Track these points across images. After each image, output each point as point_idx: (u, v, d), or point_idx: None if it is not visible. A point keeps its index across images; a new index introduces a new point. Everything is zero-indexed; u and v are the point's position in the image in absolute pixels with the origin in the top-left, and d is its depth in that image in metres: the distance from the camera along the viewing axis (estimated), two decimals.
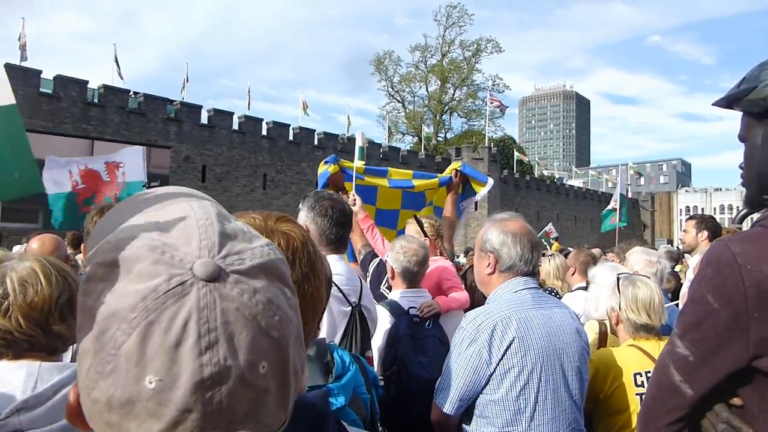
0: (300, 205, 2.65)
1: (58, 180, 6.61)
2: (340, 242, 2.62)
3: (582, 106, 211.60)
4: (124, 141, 27.00)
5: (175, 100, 32.07)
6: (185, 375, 0.50)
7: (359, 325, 2.51)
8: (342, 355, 1.39)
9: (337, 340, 2.45)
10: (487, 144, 45.54)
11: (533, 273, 2.27)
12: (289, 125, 37.24)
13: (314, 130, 38.41)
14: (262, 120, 35.84)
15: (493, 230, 2.25)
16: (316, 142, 37.72)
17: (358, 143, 4.89)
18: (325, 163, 4.76)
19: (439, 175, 5.22)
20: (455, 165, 5.13)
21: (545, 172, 64.51)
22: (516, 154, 53.75)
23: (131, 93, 30.73)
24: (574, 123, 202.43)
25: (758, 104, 1.29)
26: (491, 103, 48.74)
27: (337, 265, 2.56)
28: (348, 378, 1.32)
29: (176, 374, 0.50)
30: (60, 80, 27.82)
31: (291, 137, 36.81)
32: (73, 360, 1.93)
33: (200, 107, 33.10)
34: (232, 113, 34.62)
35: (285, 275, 0.60)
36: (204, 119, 32.87)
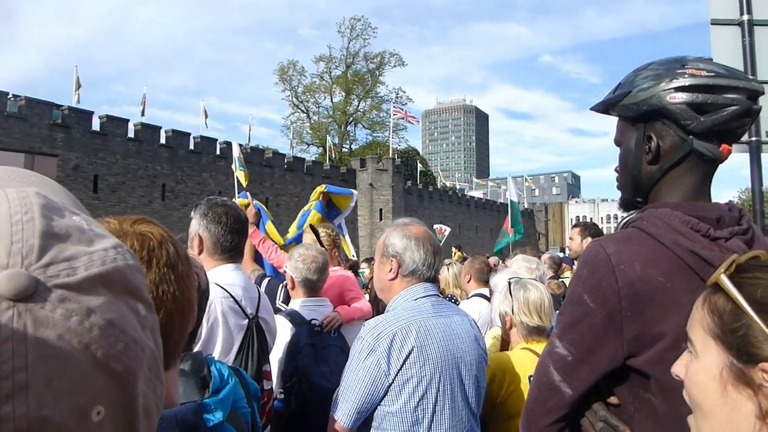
0: (192, 213, 2.54)
1: None
2: (235, 250, 2.52)
3: (481, 120, 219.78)
4: (3, 148, 24.96)
5: (62, 105, 30.08)
6: None
7: (257, 337, 2.43)
8: (220, 368, 1.33)
9: (233, 355, 2.36)
10: (391, 155, 46.18)
11: (435, 279, 2.26)
12: (190, 134, 35.99)
13: (216, 140, 37.34)
14: (160, 128, 34.36)
15: (396, 234, 2.22)
16: (218, 152, 36.68)
17: (235, 154, 4.86)
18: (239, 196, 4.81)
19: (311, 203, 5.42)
20: (320, 188, 5.36)
21: (447, 183, 66.32)
22: (419, 165, 54.94)
23: (10, 96, 28.49)
24: (474, 136, 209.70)
25: (632, 109, 1.34)
26: (395, 114, 49.59)
27: (232, 274, 2.47)
28: (226, 392, 1.26)
29: None
30: None
31: (192, 146, 35.56)
32: None
33: (91, 113, 31.23)
34: (128, 120, 32.92)
35: (137, 287, 0.46)
36: (96, 126, 31.02)
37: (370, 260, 10.47)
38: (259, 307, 2.52)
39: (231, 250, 2.49)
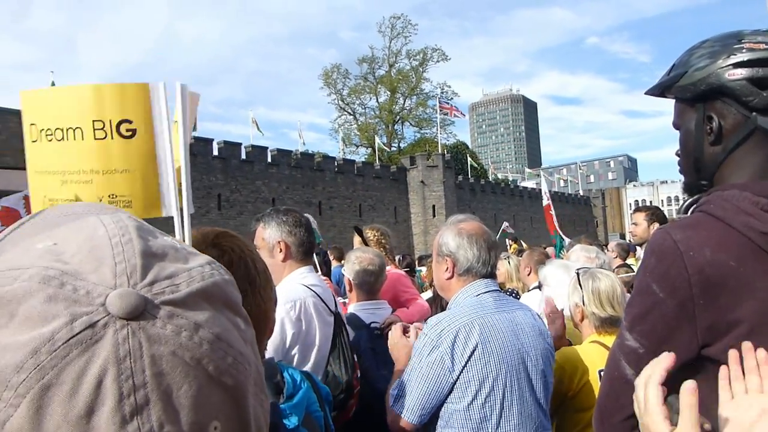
0: (261, 225, 2.57)
1: None
2: (311, 252, 2.60)
3: (529, 108, 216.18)
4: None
5: None
6: None
7: (345, 331, 2.50)
8: (292, 374, 1.34)
9: (327, 351, 2.42)
10: (440, 151, 45.97)
11: (492, 275, 2.23)
12: (241, 144, 36.81)
13: (267, 148, 38.04)
14: (212, 140, 35.30)
15: (449, 233, 2.21)
16: (269, 160, 37.36)
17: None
18: None
19: None
20: None
21: (499, 176, 65.56)
22: (469, 159, 54.50)
23: None
24: (523, 125, 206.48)
25: (689, 89, 1.29)
26: (441, 110, 49.34)
27: (311, 275, 2.53)
28: (300, 396, 1.27)
29: None
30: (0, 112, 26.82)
31: (243, 156, 36.36)
32: None
33: None
34: None
35: (235, 301, 0.47)
36: None
37: (423, 258, 10.41)
38: (336, 306, 2.57)
39: (310, 251, 2.55)
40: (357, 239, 3.79)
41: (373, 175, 42.71)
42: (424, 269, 8.57)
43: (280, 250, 2.47)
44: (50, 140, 1.17)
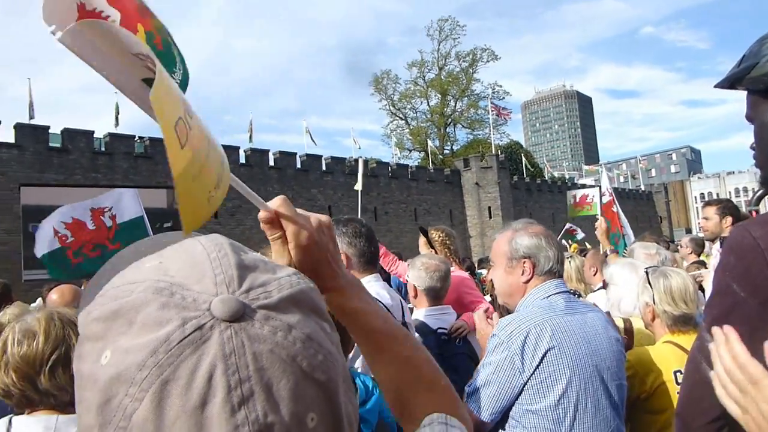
0: None
1: (45, 241, 6.64)
2: (375, 261, 2.60)
3: (584, 104, 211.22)
4: (134, 186, 27.28)
5: None
6: None
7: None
8: (364, 380, 1.36)
9: None
10: (494, 151, 45.48)
11: (562, 275, 2.23)
12: (296, 153, 37.49)
13: (321, 156, 38.59)
14: (268, 151, 36.11)
15: (522, 236, 2.19)
16: (324, 168, 37.88)
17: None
18: None
19: None
20: None
21: (555, 174, 64.24)
22: (524, 159, 53.65)
23: (137, 138, 31.11)
24: (578, 122, 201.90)
25: (762, 81, 1.24)
26: (493, 110, 48.82)
27: (376, 285, 2.54)
28: (373, 402, 1.28)
29: None
30: (67, 133, 28.27)
31: (299, 165, 37.01)
32: None
33: None
34: (238, 147, 34.89)
35: (320, 307, 0.52)
36: None
37: (484, 261, 10.29)
38: (404, 313, 2.56)
39: (373, 261, 2.56)
40: (422, 240, 3.79)
41: (427, 178, 42.65)
42: (484, 271, 8.48)
43: (345, 261, 2.50)
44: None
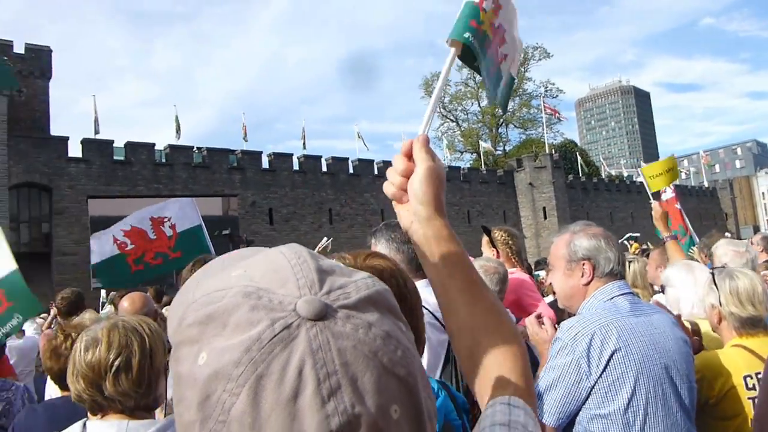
0: (372, 240, 2.63)
1: (103, 250, 6.90)
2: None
3: (642, 99, 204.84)
4: (193, 195, 28.20)
5: (236, 150, 33.24)
6: (310, 431, 0.44)
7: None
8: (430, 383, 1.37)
9: (439, 371, 2.41)
10: (548, 151, 44.68)
11: (624, 276, 2.18)
12: (348, 158, 37.85)
13: (373, 160, 38.83)
14: (321, 157, 36.59)
15: (581, 237, 2.16)
16: (376, 172, 38.08)
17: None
18: None
19: None
20: None
21: (612, 172, 62.50)
22: (579, 157, 52.43)
23: (194, 149, 32.11)
24: (635, 118, 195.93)
25: None
26: (547, 111, 47.96)
27: (425, 291, 2.54)
28: (438, 404, 1.29)
29: (300, 431, 0.44)
30: (130, 146, 29.46)
31: (351, 170, 37.35)
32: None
33: (260, 153, 34.18)
34: (292, 154, 35.54)
35: (395, 307, 0.54)
36: (265, 164, 33.88)
37: (541, 262, 10.10)
38: None
39: (419, 269, 2.56)
40: (485, 239, 3.75)
41: (480, 180, 42.28)
42: (542, 273, 8.33)
43: None
44: None
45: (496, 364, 0.89)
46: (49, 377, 2.83)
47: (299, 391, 0.44)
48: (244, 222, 30.02)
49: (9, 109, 26.21)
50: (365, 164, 38.03)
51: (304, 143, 37.74)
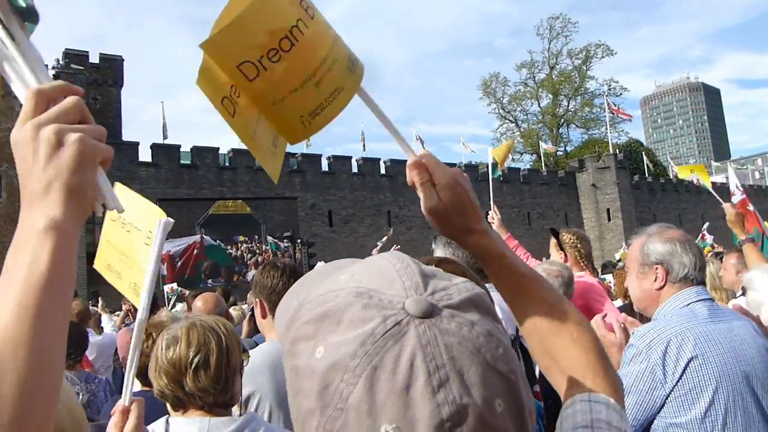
0: (433, 245, 2.64)
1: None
2: (483, 272, 2.58)
3: (711, 96, 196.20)
4: (254, 198, 28.92)
5: (296, 153, 33.85)
6: (423, 419, 0.47)
7: (521, 357, 2.43)
8: None
9: None
10: (611, 151, 43.43)
11: (703, 281, 2.10)
12: (406, 161, 37.82)
13: None
14: (379, 159, 36.80)
15: (656, 240, 2.10)
16: None
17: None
18: None
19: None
20: None
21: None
22: (644, 157, 50.68)
23: None
24: (705, 115, 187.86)
25: None
26: (610, 111, 46.58)
27: (493, 294, 2.52)
28: None
29: (413, 419, 0.47)
30: (196, 150, 30.50)
31: None
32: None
33: (320, 156, 34.71)
34: (350, 157, 35.88)
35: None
36: (325, 167, 34.36)
37: (608, 266, 9.83)
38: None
39: (481, 271, 2.54)
40: (552, 241, 3.69)
41: (540, 181, 41.52)
42: (608, 276, 8.10)
43: None
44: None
45: (569, 358, 0.89)
46: None
47: (411, 382, 0.48)
48: (304, 224, 30.51)
49: None
50: None
51: (363, 145, 38.05)
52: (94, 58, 31.15)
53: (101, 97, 30.92)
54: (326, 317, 0.53)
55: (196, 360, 1.62)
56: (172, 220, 1.50)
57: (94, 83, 30.04)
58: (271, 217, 27.71)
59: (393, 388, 0.48)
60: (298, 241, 26.71)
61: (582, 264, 3.64)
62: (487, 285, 2.14)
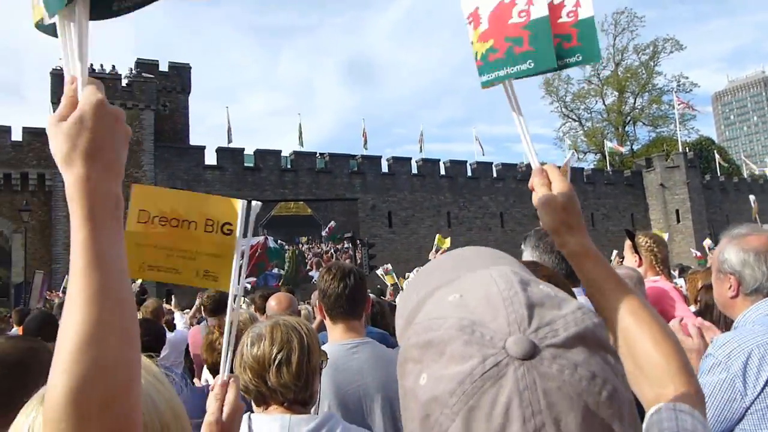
0: (522, 246, 2.63)
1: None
2: (574, 275, 2.55)
3: None
4: (315, 199, 29.39)
5: (356, 155, 34.21)
6: None
7: None
8: None
9: None
10: (681, 149, 41.77)
11: None
12: (466, 162, 37.66)
13: (491, 163, 38.35)
14: (439, 160, 36.71)
15: (732, 248, 2.03)
16: (495, 175, 37.59)
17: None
18: None
19: None
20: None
21: (756, 171, 57.17)
22: (716, 155, 48.45)
23: (317, 155, 33.45)
24: None
25: None
26: (678, 105, 44.78)
27: (581, 298, 2.50)
28: None
29: None
30: (259, 153, 31.29)
31: (469, 173, 37.13)
32: None
33: (380, 157, 34.94)
34: (410, 158, 35.95)
35: (605, 341, 0.55)
36: (384, 168, 34.56)
37: (684, 269, 9.46)
38: None
39: (568, 277, 2.51)
40: (627, 243, 3.60)
41: (605, 181, 40.41)
42: (680, 281, 7.82)
43: None
44: (163, 225, 1.67)
45: (652, 364, 0.91)
46: (205, 367, 3.10)
47: (506, 427, 0.47)
48: (364, 225, 30.78)
49: (155, 122, 28.78)
50: (484, 167, 37.64)
51: (421, 146, 38.06)
52: (163, 67, 32.44)
53: (170, 103, 32.19)
54: (431, 346, 0.54)
55: (279, 357, 1.69)
56: (258, 202, 1.62)
57: (163, 90, 31.31)
58: (331, 218, 28.08)
59: (488, 429, 0.48)
60: (358, 242, 26.96)
61: (657, 269, 3.53)
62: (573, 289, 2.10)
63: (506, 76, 1.27)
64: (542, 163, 1.22)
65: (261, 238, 24.38)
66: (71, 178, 0.74)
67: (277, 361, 1.68)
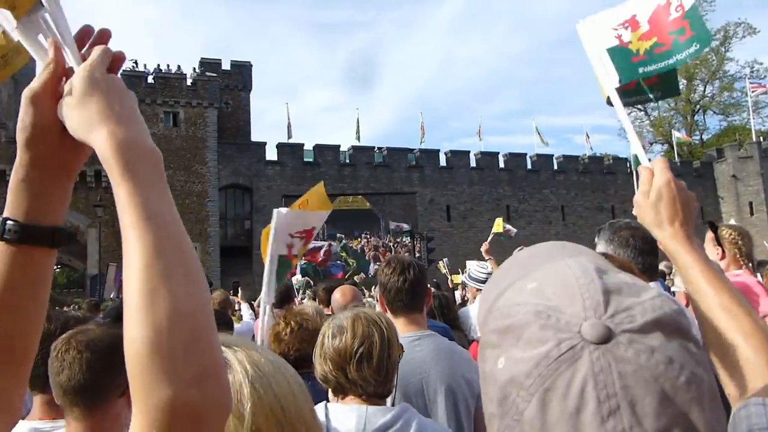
0: (596, 239, 2.56)
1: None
2: (650, 270, 2.46)
3: None
4: (374, 193, 29.53)
5: (414, 149, 34.16)
6: None
7: None
8: None
9: None
10: (755, 138, 39.71)
11: None
12: (526, 154, 37.02)
13: (552, 155, 37.55)
14: (497, 153, 36.23)
15: None
16: (555, 167, 36.79)
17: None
18: None
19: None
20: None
21: None
22: None
23: (376, 149, 33.60)
24: None
25: None
26: (752, 91, 42.49)
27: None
28: None
29: None
30: (318, 149, 31.72)
31: (529, 166, 36.47)
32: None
33: (438, 151, 34.79)
34: (468, 152, 35.63)
35: (685, 328, 0.54)
36: (442, 161, 34.39)
37: (763, 263, 8.99)
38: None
39: (645, 271, 2.43)
40: (709, 236, 3.43)
41: (675, 173, 38.73)
42: (759, 276, 7.43)
43: None
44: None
45: (741, 358, 0.89)
46: None
47: (581, 408, 0.48)
48: (422, 219, 30.74)
49: (218, 119, 29.61)
50: (544, 159, 36.90)
51: (480, 139, 37.63)
52: (225, 65, 33.29)
53: (232, 101, 33.04)
54: (509, 331, 0.55)
55: (360, 351, 1.69)
56: (284, 209, 1.62)
57: (226, 89, 32.17)
58: (390, 211, 28.18)
59: (563, 411, 0.49)
60: (417, 235, 26.94)
61: (741, 262, 3.34)
62: (650, 283, 2.02)
63: (677, 62, 1.51)
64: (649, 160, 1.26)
65: (325, 244, 24.65)
66: (100, 137, 0.74)
67: (358, 355, 1.69)
